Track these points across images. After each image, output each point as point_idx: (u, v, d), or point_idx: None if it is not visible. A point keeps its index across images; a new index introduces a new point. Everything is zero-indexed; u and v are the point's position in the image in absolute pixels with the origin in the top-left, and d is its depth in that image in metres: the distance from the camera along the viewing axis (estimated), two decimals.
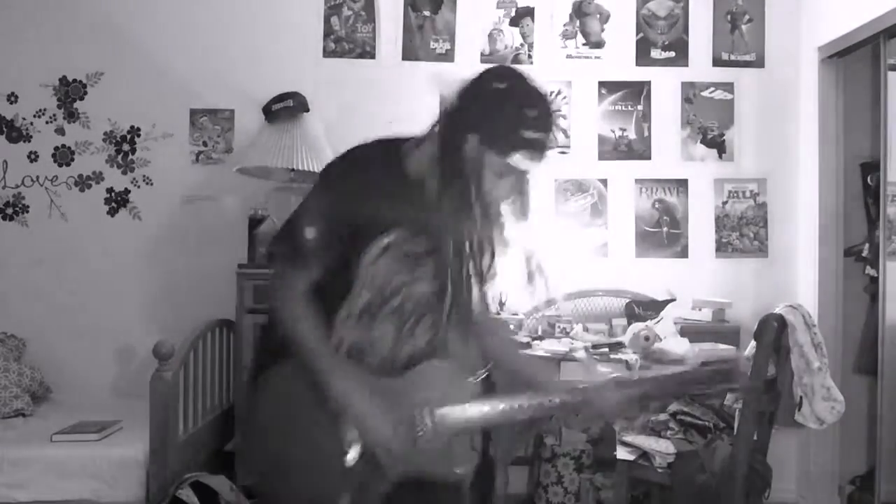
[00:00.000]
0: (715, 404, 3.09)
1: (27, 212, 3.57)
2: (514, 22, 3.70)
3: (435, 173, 1.56)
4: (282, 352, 1.62)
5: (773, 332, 2.57)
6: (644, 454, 2.90)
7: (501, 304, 3.46)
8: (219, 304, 3.51)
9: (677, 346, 3.04)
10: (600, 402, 1.65)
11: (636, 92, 3.70)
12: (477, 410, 1.65)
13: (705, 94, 3.71)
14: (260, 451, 1.67)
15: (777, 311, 2.63)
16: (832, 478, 3.47)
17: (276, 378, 1.65)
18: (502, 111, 1.52)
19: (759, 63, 3.72)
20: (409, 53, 3.67)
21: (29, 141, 3.58)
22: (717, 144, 3.72)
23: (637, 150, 3.70)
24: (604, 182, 3.69)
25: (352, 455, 1.60)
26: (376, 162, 1.63)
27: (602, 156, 3.70)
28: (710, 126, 3.71)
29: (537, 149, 1.55)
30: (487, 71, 1.58)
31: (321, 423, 1.59)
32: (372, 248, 1.57)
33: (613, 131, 3.70)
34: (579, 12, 3.72)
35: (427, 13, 3.67)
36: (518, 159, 1.55)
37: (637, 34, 3.72)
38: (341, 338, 1.61)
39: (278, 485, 1.63)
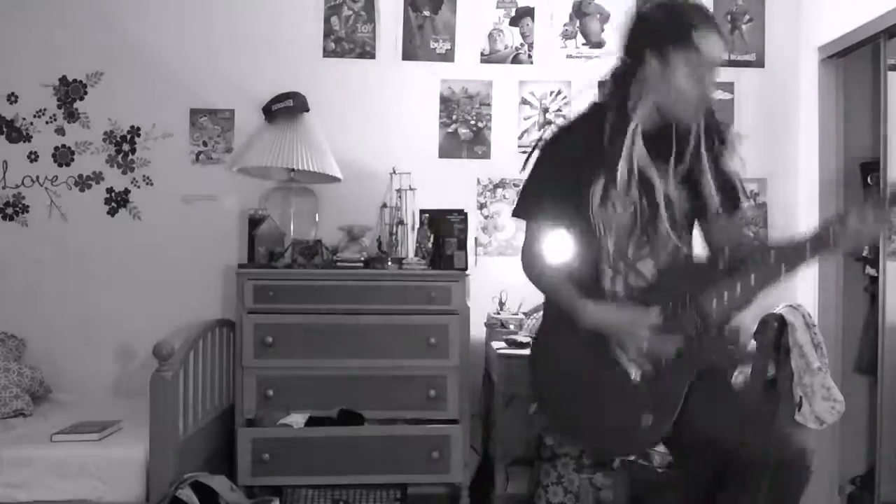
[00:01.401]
0: None
1: (27, 212, 3.57)
2: (514, 22, 3.70)
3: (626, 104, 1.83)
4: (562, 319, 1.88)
5: (773, 332, 2.57)
6: (644, 454, 2.90)
7: (501, 304, 3.46)
8: (219, 304, 3.52)
9: None
10: None
11: None
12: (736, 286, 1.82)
13: None
14: (558, 410, 1.92)
15: (777, 311, 2.63)
16: (832, 478, 3.46)
17: (561, 347, 1.92)
18: (668, 13, 1.77)
19: (759, 63, 3.73)
20: (409, 53, 3.67)
21: (29, 141, 3.58)
22: None
23: None
24: None
25: (634, 373, 1.83)
26: (582, 126, 1.92)
27: None
28: None
29: (712, 26, 1.75)
30: (639, 10, 1.84)
31: (604, 364, 1.84)
32: (594, 190, 1.81)
33: None
34: (579, 12, 3.72)
35: (427, 13, 3.68)
36: (699, 39, 1.72)
37: None
38: (611, 283, 1.86)
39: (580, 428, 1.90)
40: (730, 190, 1.96)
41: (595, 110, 1.94)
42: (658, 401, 1.82)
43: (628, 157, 1.81)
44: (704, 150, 1.86)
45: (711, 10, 3.65)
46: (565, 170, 1.87)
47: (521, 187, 1.99)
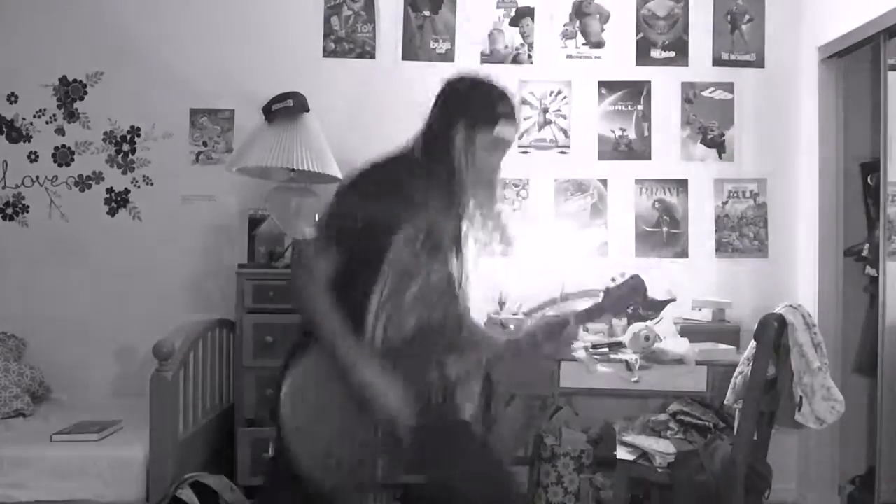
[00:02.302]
0: (715, 404, 3.09)
1: (27, 212, 3.57)
2: (514, 22, 3.70)
3: (434, 166, 1.90)
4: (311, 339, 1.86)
5: (773, 332, 2.57)
6: (644, 454, 2.90)
7: (501, 304, 3.46)
8: (219, 304, 3.52)
9: (677, 346, 3.04)
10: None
11: (636, 92, 3.70)
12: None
13: (705, 94, 3.72)
14: (297, 439, 1.84)
15: (777, 311, 2.63)
16: (832, 478, 3.47)
17: (305, 368, 1.87)
18: (479, 96, 1.93)
19: (759, 63, 3.72)
20: (409, 53, 3.67)
21: (29, 141, 3.58)
22: (717, 144, 3.72)
23: (637, 149, 3.71)
24: (604, 182, 3.69)
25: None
26: (387, 172, 1.93)
27: (602, 156, 3.70)
28: (710, 126, 3.71)
29: (512, 119, 1.94)
30: (449, 80, 1.99)
31: (347, 407, 1.83)
32: (391, 243, 1.84)
33: (613, 131, 3.70)
34: (579, 12, 3.72)
35: (427, 13, 3.68)
36: (500, 129, 1.91)
37: (637, 34, 3.72)
38: (374, 322, 1.86)
39: (318, 464, 1.84)
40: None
41: (406, 156, 1.98)
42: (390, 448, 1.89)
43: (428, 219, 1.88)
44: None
45: (711, 10, 3.71)
46: (373, 205, 1.85)
47: (326, 213, 1.95)
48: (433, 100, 1.98)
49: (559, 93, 3.70)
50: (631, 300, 2.06)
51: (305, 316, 1.89)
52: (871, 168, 3.48)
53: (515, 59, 3.70)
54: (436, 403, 1.92)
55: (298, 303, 1.90)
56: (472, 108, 1.91)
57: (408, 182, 1.88)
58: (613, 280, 2.06)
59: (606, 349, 3.09)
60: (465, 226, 1.99)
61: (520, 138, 3.69)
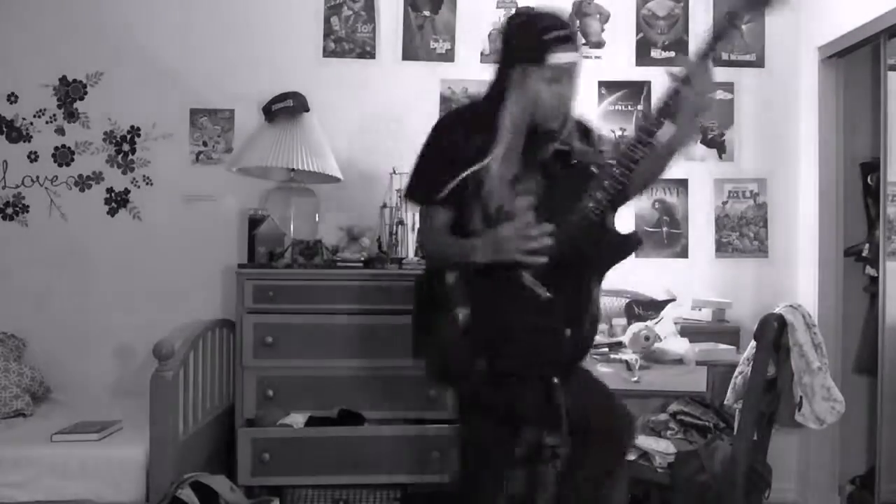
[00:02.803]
0: (715, 404, 3.09)
1: (27, 212, 3.57)
2: None
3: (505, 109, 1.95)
4: (440, 301, 2.01)
5: (773, 332, 2.57)
6: (644, 454, 2.89)
7: None
8: (219, 304, 3.52)
9: (677, 346, 3.04)
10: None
11: (636, 92, 3.70)
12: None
13: None
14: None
15: (777, 311, 2.63)
16: (832, 478, 3.47)
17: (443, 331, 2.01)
18: (526, 33, 1.94)
19: (759, 63, 3.73)
20: (409, 53, 3.67)
21: (29, 141, 3.58)
22: (717, 144, 3.72)
23: None
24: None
25: (542, 291, 1.94)
26: (466, 114, 2.10)
27: None
28: (710, 126, 3.71)
29: (567, 43, 1.93)
30: (506, 18, 2.08)
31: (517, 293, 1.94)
32: (477, 174, 1.92)
33: (613, 131, 3.70)
34: (579, 12, 3.72)
35: (427, 13, 3.67)
36: (557, 56, 1.91)
37: (637, 34, 3.72)
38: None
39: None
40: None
41: (479, 104, 2.08)
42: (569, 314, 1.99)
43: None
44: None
45: (711, 10, 3.70)
46: (449, 154, 1.98)
47: (412, 168, 2.09)
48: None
49: None
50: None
51: (434, 260, 2.11)
52: (871, 168, 3.48)
53: None
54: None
55: (433, 250, 2.10)
56: (522, 44, 1.94)
57: (479, 127, 1.95)
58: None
59: (606, 349, 3.09)
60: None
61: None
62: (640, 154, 1.94)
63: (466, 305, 1.96)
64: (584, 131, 2.16)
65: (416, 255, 3.36)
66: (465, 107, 2.17)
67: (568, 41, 1.93)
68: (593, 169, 2.04)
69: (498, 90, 1.98)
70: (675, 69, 1.92)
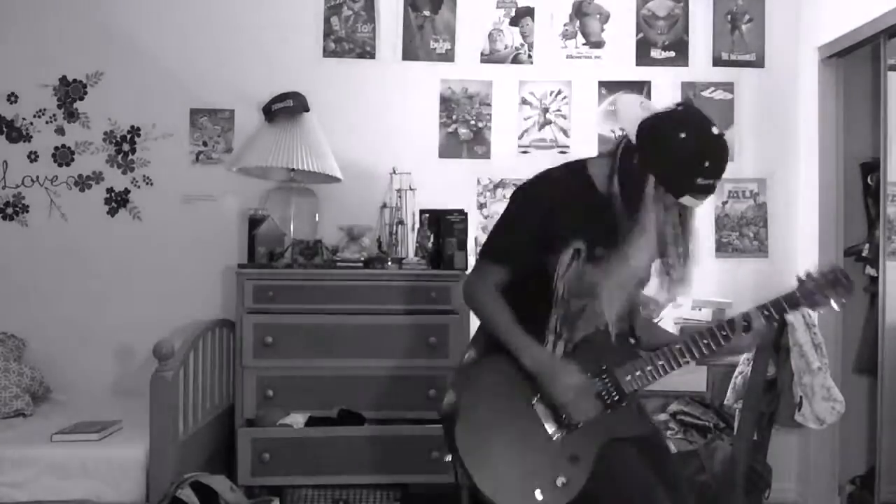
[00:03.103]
0: (715, 404, 3.09)
1: (27, 212, 3.57)
2: (514, 22, 3.70)
3: (616, 196, 1.81)
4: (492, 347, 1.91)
5: (773, 332, 2.57)
6: None
7: None
8: (219, 304, 3.52)
9: None
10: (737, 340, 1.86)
11: (636, 92, 3.70)
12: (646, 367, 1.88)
13: (705, 94, 3.72)
14: (473, 440, 1.84)
15: None
16: (832, 478, 3.46)
17: (487, 369, 1.92)
18: (682, 161, 1.73)
19: (759, 63, 3.73)
20: (409, 53, 3.67)
21: (29, 141, 3.58)
22: None
23: None
24: None
25: (551, 428, 1.85)
26: (566, 180, 1.91)
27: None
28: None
29: (707, 192, 1.76)
30: (670, 115, 1.81)
31: (518, 413, 1.85)
32: (565, 254, 1.83)
33: (613, 131, 3.70)
34: (579, 12, 3.72)
35: (427, 13, 3.68)
36: (688, 199, 1.76)
37: (637, 34, 3.72)
38: (560, 336, 1.89)
39: (492, 473, 1.82)
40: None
41: (579, 168, 1.95)
42: (571, 461, 1.83)
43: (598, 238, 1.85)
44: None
45: (711, 10, 3.70)
46: (543, 220, 1.86)
47: (494, 226, 2.01)
48: (631, 132, 1.82)
49: (559, 93, 3.70)
50: (827, 294, 1.87)
51: (482, 317, 1.97)
52: (871, 168, 3.48)
53: (515, 59, 3.70)
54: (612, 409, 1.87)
55: (470, 299, 1.98)
56: (669, 168, 1.75)
57: (582, 197, 1.86)
58: (809, 274, 1.89)
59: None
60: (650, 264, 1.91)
61: (519, 138, 3.69)
62: (687, 360, 1.88)
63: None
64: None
65: (415, 255, 3.36)
66: (576, 167, 1.94)
67: (710, 192, 1.77)
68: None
69: (623, 172, 1.81)
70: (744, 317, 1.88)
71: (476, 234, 3.59)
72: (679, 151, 1.73)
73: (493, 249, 1.96)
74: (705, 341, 1.87)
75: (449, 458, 1.90)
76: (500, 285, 1.94)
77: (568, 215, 1.85)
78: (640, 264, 1.85)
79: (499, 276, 1.94)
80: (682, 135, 1.74)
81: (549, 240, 1.85)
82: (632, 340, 1.99)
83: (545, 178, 1.95)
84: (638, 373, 1.87)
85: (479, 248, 2.04)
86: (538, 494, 1.79)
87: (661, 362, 1.87)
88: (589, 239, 1.85)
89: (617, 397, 1.87)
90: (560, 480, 1.80)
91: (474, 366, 1.99)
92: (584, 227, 1.85)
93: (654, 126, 1.79)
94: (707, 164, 1.72)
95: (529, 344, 1.86)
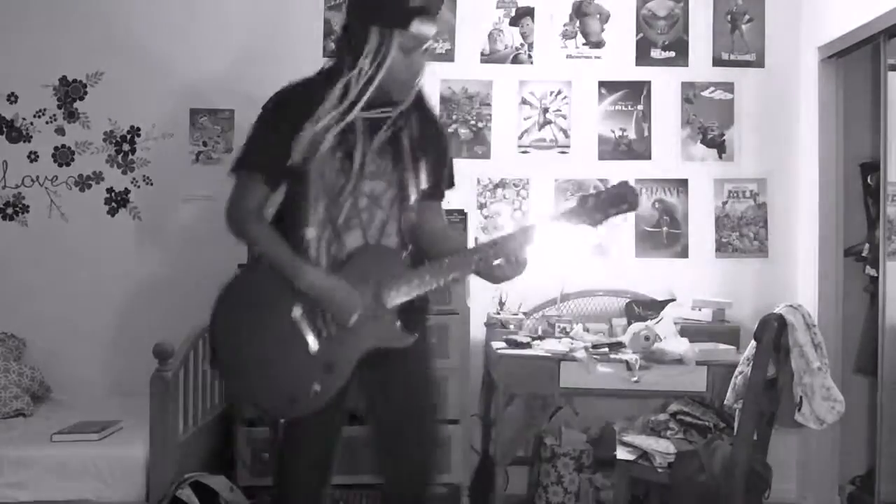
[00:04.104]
0: (715, 404, 3.09)
1: (27, 212, 3.57)
2: (514, 22, 3.70)
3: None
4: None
5: (773, 332, 2.57)
6: (644, 454, 2.90)
7: (501, 304, 3.46)
8: None
9: (677, 346, 3.04)
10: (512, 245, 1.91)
11: (636, 92, 3.70)
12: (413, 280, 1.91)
13: (705, 94, 3.72)
14: (231, 355, 1.94)
15: (777, 311, 2.63)
16: (832, 478, 3.46)
17: (238, 284, 1.99)
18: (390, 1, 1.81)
19: (759, 63, 3.72)
20: None
21: (29, 141, 3.58)
22: (717, 144, 3.72)
23: (637, 150, 3.70)
24: (604, 182, 3.68)
25: (312, 342, 1.90)
26: (307, 86, 1.95)
27: (602, 156, 3.70)
28: (710, 126, 3.71)
29: (428, 11, 1.83)
30: None
31: (277, 323, 1.89)
32: (309, 139, 1.83)
33: (613, 131, 3.70)
34: (579, 12, 3.72)
35: None
36: (417, 25, 1.81)
37: (637, 34, 3.72)
38: (317, 245, 1.90)
39: (252, 386, 1.93)
40: (433, 179, 2.00)
41: (323, 75, 1.98)
42: (326, 371, 1.91)
43: (336, 123, 1.85)
44: (407, 133, 1.94)
45: (711, 10, 3.70)
46: (286, 128, 1.87)
47: (246, 140, 1.98)
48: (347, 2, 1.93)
49: (559, 93, 3.70)
50: (613, 208, 1.93)
51: (246, 239, 1.98)
52: (871, 168, 3.48)
53: (515, 59, 3.70)
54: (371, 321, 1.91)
55: (236, 228, 1.95)
56: (383, 5, 1.83)
57: (320, 99, 1.87)
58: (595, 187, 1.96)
59: (606, 349, 3.09)
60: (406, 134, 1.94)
61: (519, 138, 3.69)
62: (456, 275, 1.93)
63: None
64: (427, 119, 2.01)
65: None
66: (306, 81, 1.99)
67: (435, 14, 1.85)
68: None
69: (348, 54, 1.87)
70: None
71: (476, 234, 3.59)
72: None
73: (247, 158, 1.93)
74: (476, 256, 1.91)
75: (207, 366, 1.97)
76: (262, 202, 1.93)
77: (312, 116, 1.86)
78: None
79: (259, 192, 1.92)
80: None
81: (297, 149, 1.86)
82: (403, 253, 1.98)
83: (291, 87, 1.99)
84: (404, 287, 1.90)
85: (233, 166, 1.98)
86: (294, 399, 1.90)
87: (427, 276, 1.91)
88: (339, 141, 1.86)
89: (375, 310, 1.90)
90: (314, 388, 1.88)
91: (237, 276, 2.04)
92: (333, 128, 1.86)
93: None
94: None
95: (301, 266, 1.87)
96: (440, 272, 1.91)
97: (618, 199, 1.91)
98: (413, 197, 1.95)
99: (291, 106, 1.91)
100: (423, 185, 1.97)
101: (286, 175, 1.90)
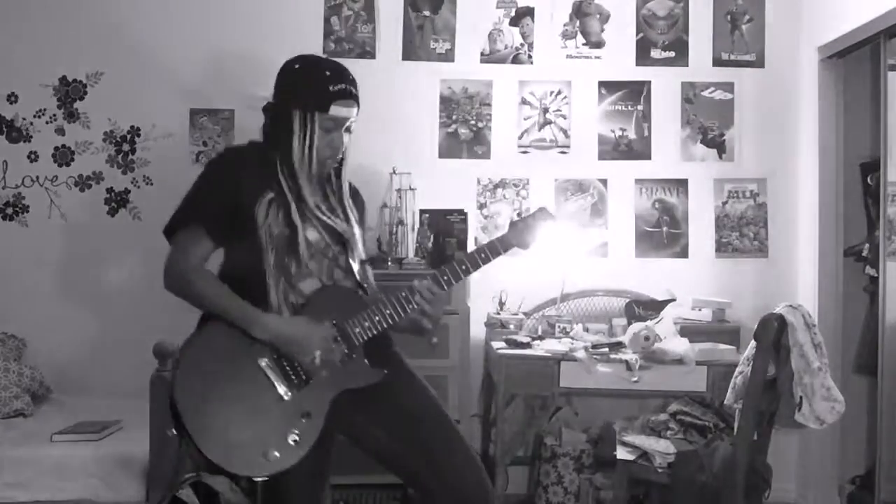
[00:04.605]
0: (715, 404, 3.09)
1: (27, 212, 3.57)
2: (514, 22, 3.70)
3: (279, 148, 1.95)
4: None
5: (773, 332, 2.57)
6: (644, 454, 2.90)
7: (501, 304, 3.46)
8: None
9: (677, 346, 3.04)
10: None
11: (636, 92, 3.70)
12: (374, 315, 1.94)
13: (705, 94, 3.72)
14: (198, 418, 1.83)
15: (777, 311, 2.63)
16: (832, 478, 3.47)
17: (205, 338, 1.94)
18: (306, 81, 1.97)
19: (759, 63, 3.72)
20: (409, 53, 3.67)
21: (29, 141, 3.58)
22: (717, 144, 3.72)
23: (637, 150, 3.71)
24: (604, 182, 3.69)
25: (282, 388, 1.86)
26: (245, 151, 2.03)
27: (602, 156, 3.70)
28: (710, 126, 3.71)
29: (346, 96, 1.98)
30: (285, 64, 2.07)
31: (244, 377, 1.85)
32: (259, 208, 1.89)
33: (613, 131, 3.70)
34: (579, 12, 3.72)
35: (427, 13, 3.67)
36: (337, 109, 1.95)
37: (637, 34, 3.72)
38: (276, 294, 1.90)
39: (223, 448, 1.82)
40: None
41: (254, 148, 2.04)
42: (303, 417, 1.86)
43: (283, 187, 1.94)
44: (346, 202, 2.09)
45: (711, 10, 3.71)
46: (230, 186, 1.92)
47: (181, 201, 2.00)
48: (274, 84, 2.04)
49: (559, 93, 3.70)
50: (534, 232, 2.01)
51: (190, 297, 1.96)
52: (871, 168, 3.48)
53: (515, 59, 3.70)
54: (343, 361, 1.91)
55: (178, 286, 1.97)
56: (303, 91, 1.96)
57: (260, 163, 1.95)
58: (519, 215, 1.98)
59: (606, 349, 3.09)
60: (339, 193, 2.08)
61: (519, 138, 3.69)
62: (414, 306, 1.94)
63: None
64: (353, 192, 2.19)
65: (415, 255, 3.37)
66: (244, 147, 2.08)
67: (350, 96, 1.98)
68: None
69: (277, 132, 1.97)
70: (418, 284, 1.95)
71: (476, 234, 3.60)
72: (300, 77, 2.00)
73: (187, 211, 1.96)
74: (433, 285, 1.95)
75: (173, 431, 1.88)
76: (205, 258, 1.95)
77: (255, 176, 1.92)
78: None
79: (202, 246, 1.94)
80: (296, 66, 2.03)
81: (242, 195, 1.90)
82: (359, 292, 2.01)
83: (232, 150, 2.15)
84: (367, 323, 1.91)
85: (168, 222, 2.02)
86: (272, 454, 1.81)
87: (388, 311, 1.92)
88: (278, 190, 1.93)
89: (346, 351, 1.90)
90: (292, 438, 1.83)
91: (192, 337, 1.98)
92: (270, 182, 1.93)
93: (278, 75, 2.05)
94: (328, 72, 1.97)
95: (254, 313, 1.86)
96: (398, 304, 1.93)
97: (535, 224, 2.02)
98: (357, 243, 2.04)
99: (234, 165, 1.97)
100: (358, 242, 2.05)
101: (229, 228, 1.92)
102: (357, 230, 2.06)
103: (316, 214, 1.97)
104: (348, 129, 2.02)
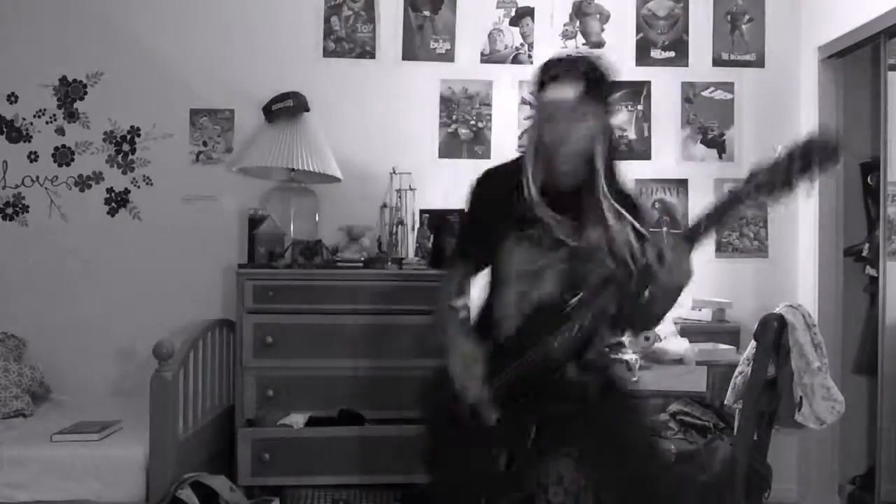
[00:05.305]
0: (715, 404, 3.09)
1: (27, 212, 3.57)
2: (514, 22, 3.70)
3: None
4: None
5: (773, 332, 2.57)
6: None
7: None
8: (219, 304, 3.52)
9: (677, 346, 3.04)
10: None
11: (636, 92, 3.70)
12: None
13: (705, 94, 3.72)
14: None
15: (777, 311, 2.63)
16: (832, 478, 3.47)
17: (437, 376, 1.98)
18: (537, 74, 1.94)
19: (759, 63, 3.73)
20: (409, 53, 3.67)
21: (29, 141, 3.58)
22: (717, 144, 3.72)
23: (637, 149, 3.71)
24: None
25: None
26: (501, 177, 2.02)
27: None
28: (710, 126, 3.71)
29: (558, 79, 1.88)
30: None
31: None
32: (506, 242, 1.92)
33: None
34: (579, 12, 3.72)
35: (427, 13, 3.67)
36: (548, 93, 1.88)
37: (637, 34, 3.72)
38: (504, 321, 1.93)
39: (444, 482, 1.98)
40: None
41: (516, 161, 2.04)
42: (508, 442, 1.90)
43: (528, 208, 1.92)
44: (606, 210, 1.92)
45: (711, 10, 3.70)
46: (482, 218, 1.99)
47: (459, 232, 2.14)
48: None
49: None
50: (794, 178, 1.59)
51: (439, 326, 2.03)
52: (871, 168, 3.48)
53: (515, 59, 3.70)
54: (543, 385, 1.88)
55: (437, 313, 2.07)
56: (533, 81, 1.96)
57: (509, 185, 1.94)
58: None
59: (606, 349, 3.08)
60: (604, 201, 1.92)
61: (519, 138, 3.69)
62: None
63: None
64: (626, 201, 1.99)
65: (415, 255, 3.36)
66: (500, 166, 2.09)
67: (558, 78, 1.86)
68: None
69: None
70: (650, 247, 1.76)
71: None
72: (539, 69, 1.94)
73: (457, 246, 2.13)
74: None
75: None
76: (466, 277, 2.09)
77: (502, 210, 1.94)
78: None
79: (463, 268, 2.09)
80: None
81: (491, 228, 1.95)
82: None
83: (485, 175, 2.08)
84: (566, 333, 1.83)
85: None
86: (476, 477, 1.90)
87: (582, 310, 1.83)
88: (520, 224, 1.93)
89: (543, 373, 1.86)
90: (501, 461, 1.90)
91: (438, 370, 2.01)
92: (512, 214, 1.93)
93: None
94: (546, 62, 1.93)
95: (454, 342, 1.93)
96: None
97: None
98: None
99: (488, 196, 2.01)
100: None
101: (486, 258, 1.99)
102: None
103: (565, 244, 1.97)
104: (569, 117, 1.91)
